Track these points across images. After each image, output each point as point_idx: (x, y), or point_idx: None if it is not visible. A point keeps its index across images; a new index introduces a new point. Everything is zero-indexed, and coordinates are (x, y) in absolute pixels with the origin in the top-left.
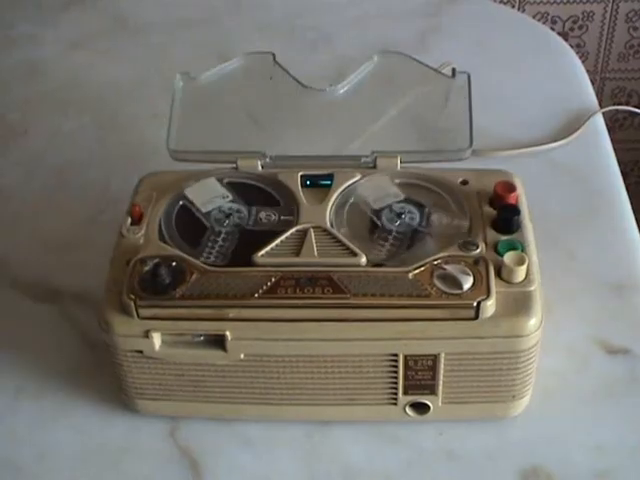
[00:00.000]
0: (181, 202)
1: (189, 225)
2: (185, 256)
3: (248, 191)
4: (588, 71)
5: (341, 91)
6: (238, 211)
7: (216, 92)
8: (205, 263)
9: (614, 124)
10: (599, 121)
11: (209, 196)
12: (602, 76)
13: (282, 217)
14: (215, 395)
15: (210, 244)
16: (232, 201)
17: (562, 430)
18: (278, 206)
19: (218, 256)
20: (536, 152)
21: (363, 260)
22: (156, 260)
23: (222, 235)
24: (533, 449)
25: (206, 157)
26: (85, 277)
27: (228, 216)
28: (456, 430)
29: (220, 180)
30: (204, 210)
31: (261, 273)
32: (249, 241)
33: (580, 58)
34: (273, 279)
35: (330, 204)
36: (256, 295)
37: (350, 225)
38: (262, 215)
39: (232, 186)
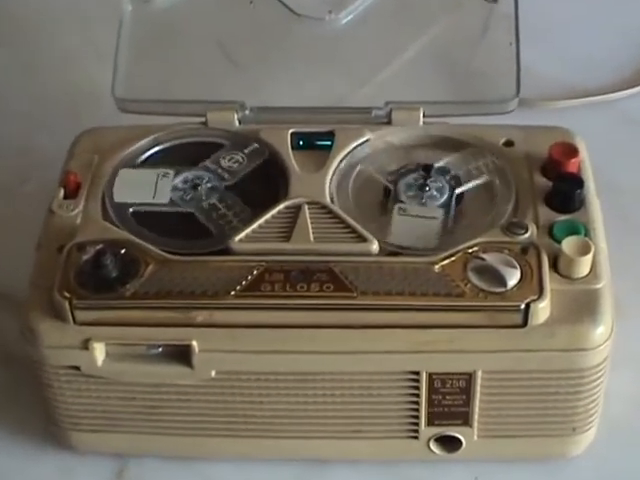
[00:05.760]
0: (132, 167)
1: None
2: (138, 240)
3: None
4: None
5: (344, 20)
6: (203, 178)
7: (178, 20)
8: (165, 250)
9: None
10: None
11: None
12: None
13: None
14: (177, 426)
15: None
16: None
17: (637, 474)
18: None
19: (182, 240)
20: (605, 103)
21: (374, 247)
22: (99, 246)
23: (187, 212)
24: None
25: (165, 108)
26: (1, 269)
27: (195, 187)
28: (497, 473)
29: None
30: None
31: (239, 264)
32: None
33: None
34: (255, 272)
35: (330, 172)
36: (233, 293)
37: (357, 200)
38: (225, 163)
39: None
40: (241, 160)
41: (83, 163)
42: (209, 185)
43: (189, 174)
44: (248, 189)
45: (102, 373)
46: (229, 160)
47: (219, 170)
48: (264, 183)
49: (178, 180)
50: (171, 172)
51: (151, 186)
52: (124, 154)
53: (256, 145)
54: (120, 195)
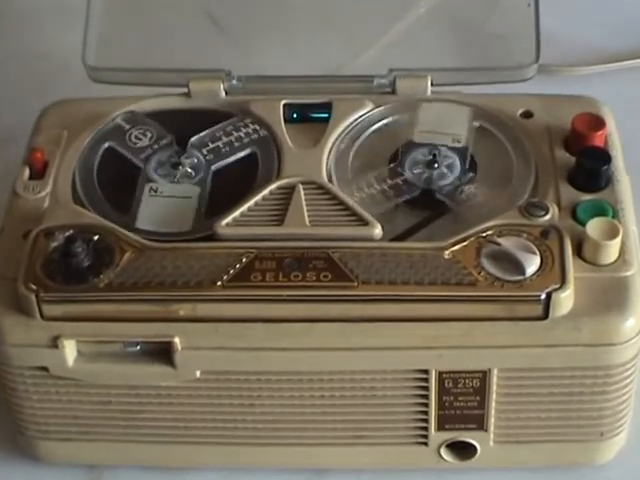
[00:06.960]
0: (106, 144)
1: (119, 179)
2: (113, 226)
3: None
4: None
5: None
6: (163, 161)
7: None
8: (143, 237)
9: None
10: None
11: None
12: None
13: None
14: (157, 433)
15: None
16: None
17: None
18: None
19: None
20: (634, 68)
21: (377, 231)
22: (69, 232)
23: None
24: None
25: (142, 78)
26: None
27: (175, 165)
28: None
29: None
30: None
31: (226, 251)
32: (209, 202)
33: None
34: (244, 259)
35: (328, 148)
36: (219, 283)
37: (358, 179)
38: (144, 142)
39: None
40: (144, 129)
41: (51, 139)
42: (176, 155)
43: (152, 171)
44: (191, 127)
45: (73, 374)
46: (138, 137)
47: (154, 146)
48: (186, 115)
49: (161, 180)
50: (149, 184)
51: (172, 201)
52: (96, 130)
53: (120, 114)
54: (182, 225)
